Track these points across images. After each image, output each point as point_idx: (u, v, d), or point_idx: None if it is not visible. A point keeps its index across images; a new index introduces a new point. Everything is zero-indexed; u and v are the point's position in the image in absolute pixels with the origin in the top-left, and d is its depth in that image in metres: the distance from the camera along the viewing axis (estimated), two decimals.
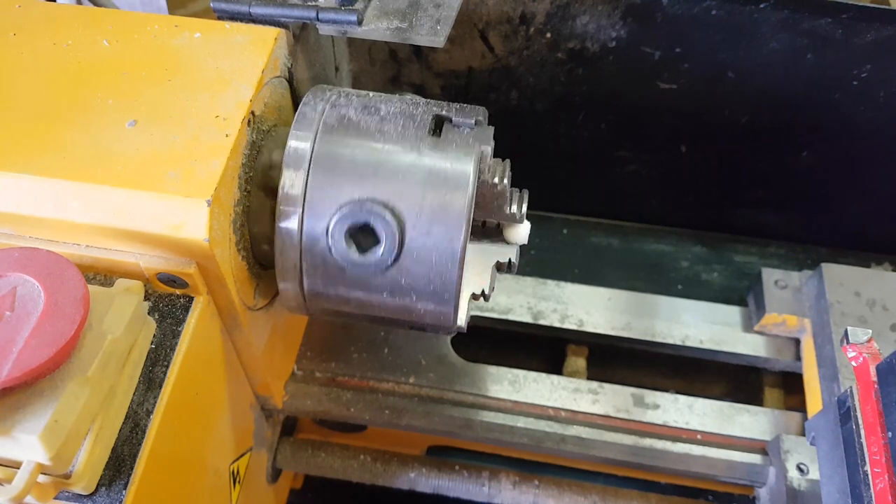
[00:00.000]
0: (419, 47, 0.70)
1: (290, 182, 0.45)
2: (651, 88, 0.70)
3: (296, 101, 0.54)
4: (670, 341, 0.68)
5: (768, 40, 0.63)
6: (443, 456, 0.73)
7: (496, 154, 0.50)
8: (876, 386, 0.41)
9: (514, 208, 0.50)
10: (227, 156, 0.43)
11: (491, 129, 0.48)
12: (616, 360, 0.74)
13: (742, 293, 0.76)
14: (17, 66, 0.46)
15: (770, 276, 0.70)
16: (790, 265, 0.81)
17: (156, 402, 0.42)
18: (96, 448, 0.39)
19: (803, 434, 0.61)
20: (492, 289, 0.50)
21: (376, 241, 0.43)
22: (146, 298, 0.44)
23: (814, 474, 0.57)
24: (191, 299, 0.45)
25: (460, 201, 0.44)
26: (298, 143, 0.46)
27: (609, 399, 0.64)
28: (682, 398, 0.64)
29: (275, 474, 0.69)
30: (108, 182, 0.41)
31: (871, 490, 0.39)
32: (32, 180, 0.41)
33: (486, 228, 0.51)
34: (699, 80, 0.68)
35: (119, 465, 0.40)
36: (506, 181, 0.49)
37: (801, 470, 0.58)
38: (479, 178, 0.45)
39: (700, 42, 0.65)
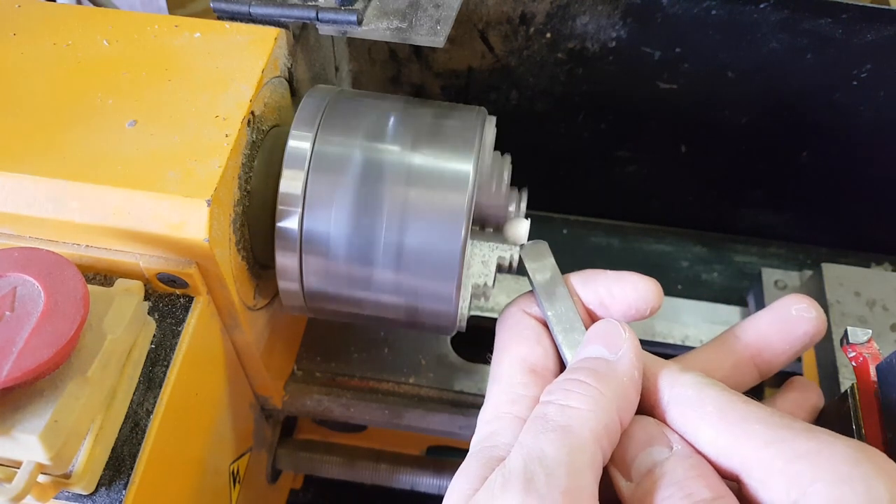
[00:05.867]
0: (419, 47, 0.70)
1: (290, 182, 0.45)
2: (651, 88, 0.70)
3: (296, 101, 0.54)
4: (670, 341, 0.68)
5: (768, 40, 0.63)
6: (443, 456, 0.73)
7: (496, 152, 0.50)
8: (876, 386, 0.41)
9: (514, 207, 0.50)
10: (227, 156, 0.43)
11: (492, 129, 0.49)
12: None
13: (742, 293, 0.76)
14: (17, 66, 0.46)
15: (770, 276, 0.70)
16: (790, 265, 0.81)
17: (156, 402, 0.42)
18: (96, 448, 0.39)
19: None
20: (492, 288, 0.50)
21: None
22: (146, 298, 0.44)
23: None
24: (191, 299, 0.45)
25: (460, 201, 0.44)
26: (298, 143, 0.46)
27: None
28: None
29: (275, 474, 0.69)
30: (108, 182, 0.41)
31: None
32: (32, 180, 0.41)
33: (485, 229, 0.51)
34: (699, 80, 0.68)
35: (119, 465, 0.40)
36: (506, 179, 0.49)
37: None
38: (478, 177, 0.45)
39: (700, 42, 0.65)
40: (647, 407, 0.39)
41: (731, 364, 0.44)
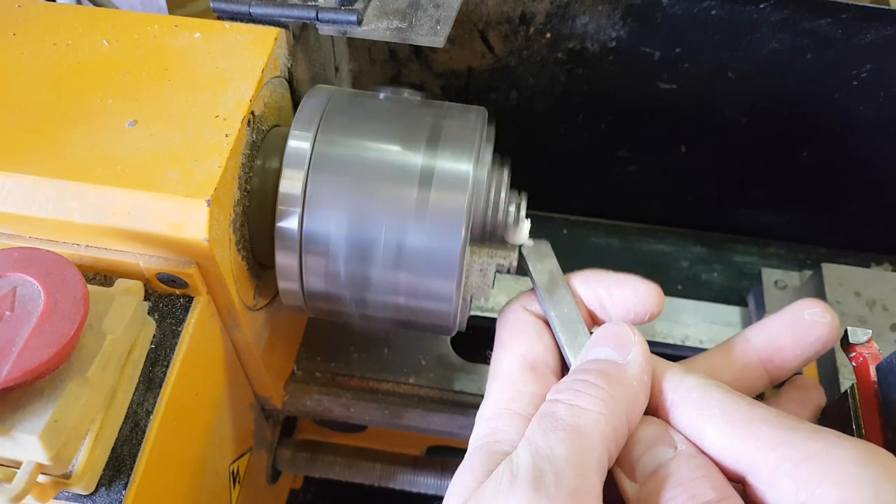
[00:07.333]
0: (419, 47, 0.70)
1: (290, 182, 0.45)
2: (651, 88, 0.70)
3: (296, 101, 0.54)
4: (670, 341, 0.68)
5: (768, 40, 0.63)
6: (443, 456, 0.73)
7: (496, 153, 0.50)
8: (876, 386, 0.41)
9: (514, 208, 0.50)
10: (227, 156, 0.43)
11: (493, 130, 0.49)
12: None
13: (742, 293, 0.76)
14: (17, 66, 0.47)
15: (770, 276, 0.70)
16: (790, 265, 0.81)
17: (156, 402, 0.42)
18: (96, 448, 0.39)
19: None
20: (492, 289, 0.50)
21: None
22: (146, 298, 0.44)
23: None
24: (191, 299, 0.45)
25: (460, 201, 0.44)
26: (298, 143, 0.46)
27: None
28: None
29: (274, 474, 0.69)
30: (108, 182, 0.41)
31: None
32: (32, 180, 0.41)
33: (485, 230, 0.51)
34: (699, 80, 0.68)
35: (119, 465, 0.40)
36: (506, 179, 0.49)
37: None
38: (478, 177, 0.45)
39: (700, 42, 0.65)
40: (651, 409, 0.39)
41: (739, 367, 0.43)
